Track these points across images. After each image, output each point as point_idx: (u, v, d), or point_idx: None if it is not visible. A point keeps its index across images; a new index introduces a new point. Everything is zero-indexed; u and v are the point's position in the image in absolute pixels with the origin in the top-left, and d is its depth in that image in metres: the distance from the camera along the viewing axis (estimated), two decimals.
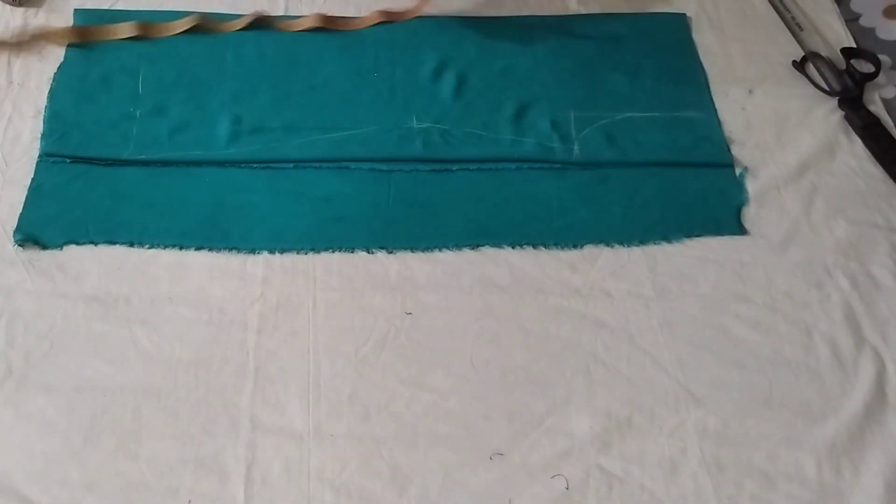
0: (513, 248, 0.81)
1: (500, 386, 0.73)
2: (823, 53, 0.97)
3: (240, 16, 0.99)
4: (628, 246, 0.82)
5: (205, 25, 0.96)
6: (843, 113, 0.92)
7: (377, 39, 0.97)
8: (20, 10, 0.99)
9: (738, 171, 0.87)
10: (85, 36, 0.95)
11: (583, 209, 0.84)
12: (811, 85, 0.95)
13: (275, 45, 0.96)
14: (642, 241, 0.82)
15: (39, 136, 0.87)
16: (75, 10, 0.99)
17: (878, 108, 0.93)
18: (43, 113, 0.89)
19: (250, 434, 0.69)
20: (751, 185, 0.86)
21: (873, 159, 0.89)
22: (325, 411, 0.71)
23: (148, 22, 0.96)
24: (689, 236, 0.82)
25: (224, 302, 0.77)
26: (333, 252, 0.80)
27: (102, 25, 0.95)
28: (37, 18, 0.98)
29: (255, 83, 0.93)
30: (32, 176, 0.84)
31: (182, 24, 0.96)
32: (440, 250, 0.81)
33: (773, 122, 0.92)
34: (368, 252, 0.80)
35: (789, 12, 1.02)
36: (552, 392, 0.72)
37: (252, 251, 0.80)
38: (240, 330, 0.75)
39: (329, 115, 0.90)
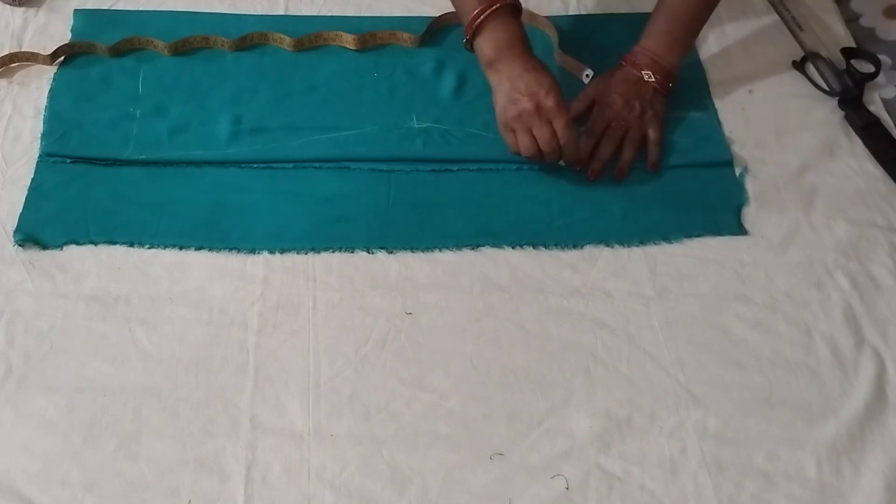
0: (513, 248, 0.81)
1: (500, 386, 0.73)
2: (823, 53, 0.97)
3: (244, 16, 0.99)
4: (628, 246, 0.82)
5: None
6: (843, 113, 0.92)
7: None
8: (20, 10, 0.99)
9: (738, 171, 0.87)
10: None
11: (583, 209, 0.84)
12: (811, 85, 0.95)
13: (274, 45, 0.96)
14: (642, 241, 0.82)
15: (39, 136, 0.87)
16: (75, 10, 0.99)
17: (878, 108, 0.93)
18: (43, 113, 0.89)
19: (250, 434, 0.69)
20: (751, 185, 0.86)
21: (873, 159, 0.89)
22: (325, 411, 0.71)
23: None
24: (689, 236, 0.82)
25: (224, 302, 0.77)
26: (333, 252, 0.80)
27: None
28: (37, 18, 0.98)
29: (255, 83, 0.93)
30: (32, 176, 0.84)
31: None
32: (440, 250, 0.81)
33: (773, 122, 0.92)
34: (368, 252, 0.80)
35: (789, 12, 1.02)
36: (552, 392, 0.72)
37: (252, 251, 0.80)
38: (240, 330, 0.75)
39: (329, 115, 0.90)
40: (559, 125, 0.79)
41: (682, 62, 0.89)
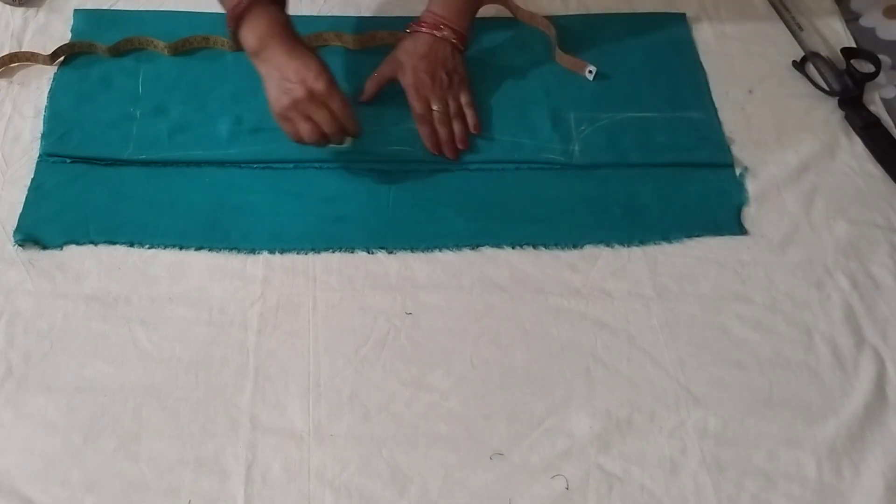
0: (513, 248, 0.81)
1: (500, 386, 0.73)
2: (823, 53, 0.97)
3: None
4: (628, 246, 0.82)
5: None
6: (843, 113, 0.92)
7: None
8: (20, 10, 0.99)
9: (738, 171, 0.87)
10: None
11: (583, 209, 0.84)
12: (811, 85, 0.95)
13: None
14: (642, 241, 0.82)
15: (39, 136, 0.87)
16: (75, 10, 0.99)
17: (878, 108, 0.93)
18: (43, 113, 0.89)
19: (250, 434, 0.69)
20: (751, 185, 0.86)
21: (873, 159, 0.89)
22: (325, 411, 0.71)
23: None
24: (689, 236, 0.82)
25: (224, 302, 0.77)
26: (333, 252, 0.80)
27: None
28: (37, 18, 0.98)
29: (254, 83, 0.92)
30: (32, 176, 0.84)
31: None
32: (440, 250, 0.81)
33: (773, 122, 0.92)
34: (368, 252, 0.80)
35: (789, 12, 1.02)
36: (552, 392, 0.72)
37: (252, 251, 0.80)
38: (240, 330, 0.75)
39: None
40: (336, 105, 0.79)
41: (470, 27, 0.90)
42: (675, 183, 0.86)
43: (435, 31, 0.87)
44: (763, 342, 0.76)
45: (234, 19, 0.79)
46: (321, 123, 0.79)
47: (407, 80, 0.87)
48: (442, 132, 0.86)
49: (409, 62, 0.87)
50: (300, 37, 0.81)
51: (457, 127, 0.86)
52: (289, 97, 0.78)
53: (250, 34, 0.79)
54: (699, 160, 0.88)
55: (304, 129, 0.79)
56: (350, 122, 0.80)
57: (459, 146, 0.86)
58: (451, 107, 0.87)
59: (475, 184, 0.86)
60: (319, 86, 0.77)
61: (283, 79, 0.78)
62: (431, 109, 0.86)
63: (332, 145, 0.82)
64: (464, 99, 0.88)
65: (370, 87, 0.89)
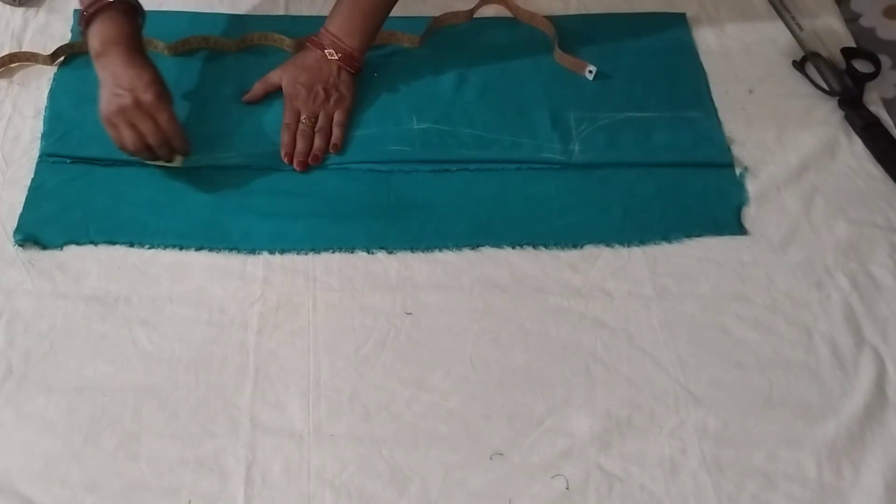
0: (513, 248, 0.81)
1: (500, 386, 0.73)
2: (823, 53, 0.97)
3: (244, 16, 0.99)
4: (628, 246, 0.82)
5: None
6: (843, 113, 0.92)
7: None
8: (20, 10, 0.99)
9: (738, 171, 0.87)
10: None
11: (583, 209, 0.84)
12: (811, 85, 0.95)
13: (274, 46, 0.96)
14: (642, 241, 0.82)
15: (39, 136, 0.87)
16: (75, 10, 0.99)
17: (878, 108, 0.93)
18: (43, 113, 0.89)
19: (250, 434, 0.69)
20: (751, 185, 0.86)
21: (873, 159, 0.89)
22: (325, 411, 0.71)
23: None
24: (689, 236, 0.82)
25: (224, 302, 0.76)
26: (333, 252, 0.80)
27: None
28: (37, 18, 0.98)
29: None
30: (32, 176, 0.84)
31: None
32: (440, 250, 0.81)
33: (773, 122, 0.92)
34: (368, 252, 0.80)
35: (789, 12, 1.02)
36: (552, 392, 0.72)
37: (252, 251, 0.80)
38: (240, 330, 0.75)
39: None
40: (162, 119, 0.80)
41: (366, 47, 0.91)
42: (675, 183, 0.86)
43: (322, 50, 0.89)
44: (763, 342, 0.76)
45: (84, 20, 0.81)
46: (145, 134, 0.80)
47: (286, 90, 0.90)
48: (299, 143, 0.87)
49: (294, 73, 0.90)
50: (144, 48, 0.82)
51: (317, 141, 0.87)
52: (116, 103, 0.79)
53: (95, 38, 0.80)
54: (699, 160, 0.88)
55: (128, 136, 0.80)
56: (176, 139, 0.81)
57: (310, 161, 0.86)
58: (319, 121, 0.88)
59: (475, 184, 0.86)
60: (147, 97, 0.79)
61: (115, 85, 0.79)
62: (299, 120, 0.87)
63: (162, 162, 0.83)
64: (336, 117, 0.89)
65: (257, 89, 0.91)
